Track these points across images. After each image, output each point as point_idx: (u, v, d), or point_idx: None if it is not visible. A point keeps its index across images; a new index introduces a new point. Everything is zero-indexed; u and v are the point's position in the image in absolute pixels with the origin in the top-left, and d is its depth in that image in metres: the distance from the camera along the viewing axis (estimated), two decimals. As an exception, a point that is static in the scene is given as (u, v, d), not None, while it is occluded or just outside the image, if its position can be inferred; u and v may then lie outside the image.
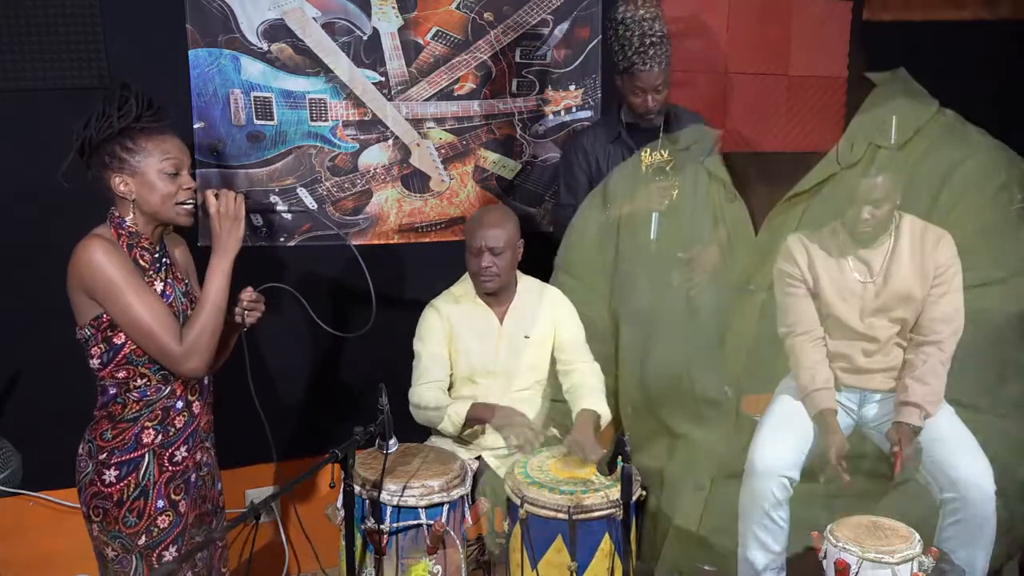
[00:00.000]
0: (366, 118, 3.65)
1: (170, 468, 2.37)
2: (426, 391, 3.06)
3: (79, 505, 2.39)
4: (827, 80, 1.79)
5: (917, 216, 2.43)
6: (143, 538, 2.34)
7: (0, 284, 3.23)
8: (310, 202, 3.63)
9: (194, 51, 3.40)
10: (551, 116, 3.89)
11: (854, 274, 2.67)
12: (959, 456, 2.50)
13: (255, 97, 3.51)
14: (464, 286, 3.18)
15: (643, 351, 2.44)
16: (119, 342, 2.28)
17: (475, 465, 3.00)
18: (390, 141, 3.70)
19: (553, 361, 3.16)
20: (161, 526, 2.35)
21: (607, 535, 2.59)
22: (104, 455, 2.32)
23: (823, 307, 2.72)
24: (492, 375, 3.12)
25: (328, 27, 3.54)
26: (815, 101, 1.92)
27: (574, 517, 2.57)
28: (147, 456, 2.34)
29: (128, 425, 2.33)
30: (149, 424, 2.34)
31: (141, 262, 2.32)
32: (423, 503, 2.66)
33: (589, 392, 3.00)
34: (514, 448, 2.93)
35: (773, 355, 2.40)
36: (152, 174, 2.29)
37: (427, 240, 3.82)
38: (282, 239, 3.63)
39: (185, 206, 2.34)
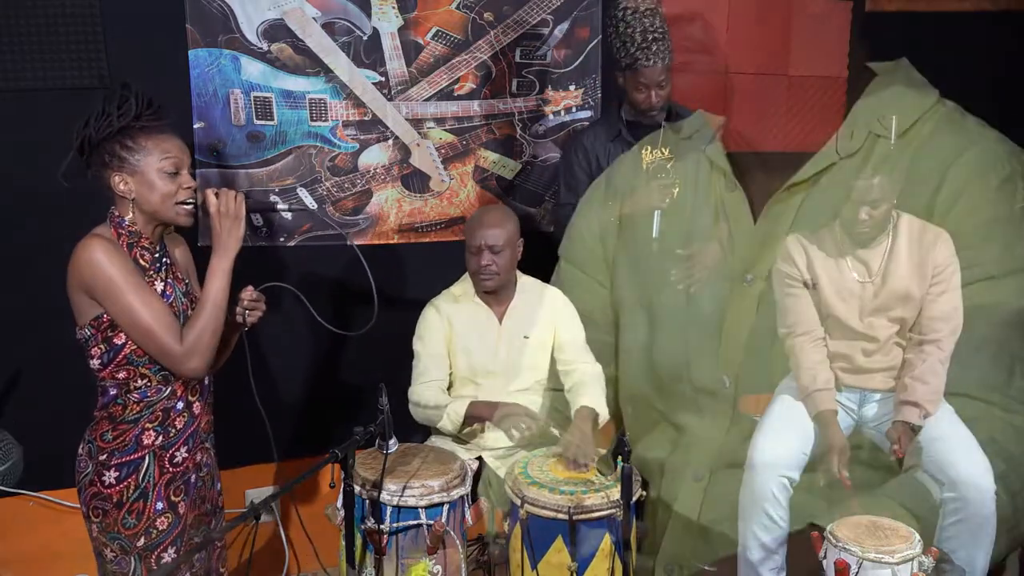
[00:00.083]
0: (366, 118, 3.65)
1: (170, 469, 2.37)
2: (425, 390, 3.07)
3: (79, 505, 2.39)
4: (827, 80, 1.79)
5: (918, 208, 2.43)
6: (142, 539, 2.33)
7: (0, 284, 3.23)
8: (310, 202, 3.64)
9: (194, 51, 3.40)
10: (551, 116, 3.89)
11: (853, 274, 2.67)
12: (959, 456, 2.50)
13: (255, 97, 3.51)
14: (464, 286, 3.18)
15: (643, 341, 2.45)
16: (119, 342, 2.28)
17: (475, 465, 3.00)
18: (390, 141, 3.70)
19: (553, 361, 3.16)
20: (160, 528, 2.35)
21: (607, 535, 2.59)
22: (104, 456, 2.32)
23: (823, 307, 2.72)
24: (491, 375, 3.12)
25: (328, 27, 3.54)
26: (815, 101, 1.91)
27: (574, 517, 2.57)
28: (147, 458, 2.34)
29: (129, 426, 2.33)
30: (150, 425, 2.34)
31: (141, 262, 2.32)
32: (423, 503, 2.66)
33: (588, 391, 3.00)
34: (516, 440, 2.93)
35: (771, 345, 2.40)
36: (152, 173, 2.29)
37: (427, 240, 3.82)
38: (282, 239, 3.63)
39: (185, 206, 2.34)
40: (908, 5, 2.87)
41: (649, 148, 2.28)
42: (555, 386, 3.19)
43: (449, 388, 3.16)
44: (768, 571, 2.66)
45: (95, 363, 2.31)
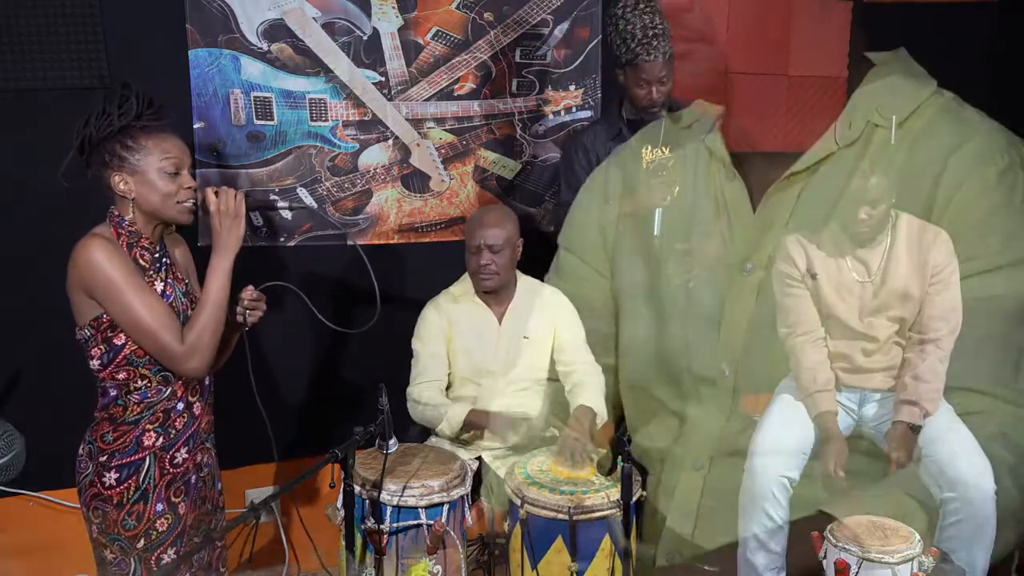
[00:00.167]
0: (366, 118, 3.65)
1: (171, 470, 2.37)
2: (424, 391, 3.07)
3: (79, 505, 2.39)
4: (827, 80, 1.80)
5: (918, 199, 2.43)
6: (142, 541, 2.33)
7: (0, 284, 3.23)
8: (310, 202, 3.64)
9: (194, 51, 3.40)
10: (551, 116, 3.89)
11: (852, 274, 2.68)
12: (959, 456, 2.50)
13: (255, 97, 3.51)
14: (464, 286, 3.18)
15: (643, 330, 2.45)
16: (119, 343, 2.28)
17: (475, 465, 3.00)
18: (390, 141, 3.70)
19: (553, 361, 3.16)
20: (160, 529, 2.35)
21: (607, 535, 2.59)
22: (104, 457, 2.32)
23: (822, 307, 2.73)
24: (491, 375, 3.12)
25: (328, 27, 3.54)
26: (815, 101, 1.92)
27: (574, 517, 2.57)
28: (148, 459, 2.34)
29: (129, 428, 2.33)
30: (150, 427, 2.34)
31: (141, 262, 2.32)
32: (423, 503, 2.66)
33: (588, 392, 3.00)
34: (511, 442, 2.93)
35: (771, 333, 2.40)
36: (152, 173, 2.29)
37: (427, 240, 3.82)
38: (282, 239, 3.63)
39: (185, 204, 2.33)
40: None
41: (649, 147, 2.28)
42: (554, 387, 3.19)
43: (448, 388, 3.16)
44: (768, 571, 2.66)
45: (95, 364, 2.31)
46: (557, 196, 3.77)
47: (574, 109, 3.90)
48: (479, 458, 3.07)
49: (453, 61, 3.71)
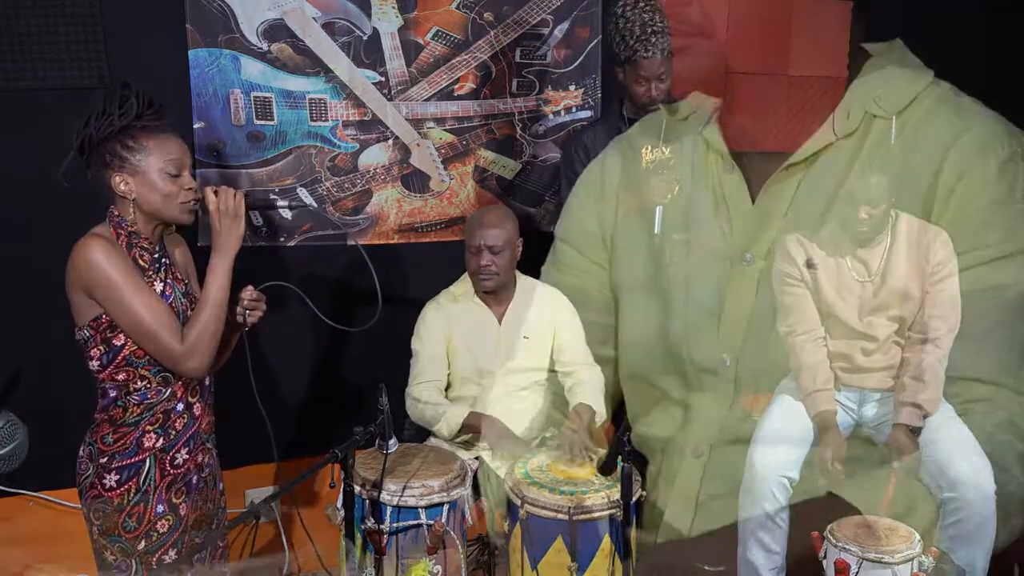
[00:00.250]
0: (366, 118, 3.65)
1: (171, 471, 2.37)
2: (423, 391, 3.07)
3: (79, 506, 2.38)
4: (827, 80, 1.80)
5: (919, 190, 2.44)
6: (142, 543, 2.33)
7: (0, 284, 3.23)
8: (310, 202, 3.64)
9: (194, 51, 3.40)
10: (551, 116, 3.89)
11: (852, 273, 2.68)
12: (959, 456, 2.50)
13: (255, 97, 3.51)
14: (463, 286, 3.18)
15: (643, 321, 2.45)
16: (119, 343, 2.28)
17: (475, 465, 3.00)
18: (390, 141, 3.70)
19: (552, 361, 3.16)
20: (161, 530, 2.35)
21: (607, 535, 2.59)
22: (105, 459, 2.31)
23: (823, 307, 2.73)
24: (490, 375, 3.12)
25: (328, 27, 3.54)
26: (815, 101, 1.92)
27: (574, 517, 2.57)
28: (148, 460, 2.34)
29: (129, 429, 2.32)
30: (150, 428, 2.34)
31: (140, 262, 2.32)
32: (423, 503, 2.66)
33: (587, 391, 3.00)
34: (500, 459, 2.95)
35: (771, 324, 2.40)
36: (153, 173, 2.29)
37: (427, 240, 3.82)
38: (282, 239, 3.63)
39: (186, 205, 2.33)
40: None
41: (649, 147, 2.29)
42: (554, 387, 3.19)
43: (448, 388, 3.16)
44: (768, 571, 2.66)
45: (94, 364, 2.31)
46: (557, 196, 3.77)
47: (574, 109, 3.90)
48: (479, 458, 3.08)
49: (453, 61, 3.71)
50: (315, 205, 3.63)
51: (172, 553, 2.35)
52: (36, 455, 3.26)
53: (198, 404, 2.41)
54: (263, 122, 3.53)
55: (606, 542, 2.59)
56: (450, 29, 3.68)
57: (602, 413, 2.95)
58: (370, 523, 2.66)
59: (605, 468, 2.50)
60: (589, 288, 2.99)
